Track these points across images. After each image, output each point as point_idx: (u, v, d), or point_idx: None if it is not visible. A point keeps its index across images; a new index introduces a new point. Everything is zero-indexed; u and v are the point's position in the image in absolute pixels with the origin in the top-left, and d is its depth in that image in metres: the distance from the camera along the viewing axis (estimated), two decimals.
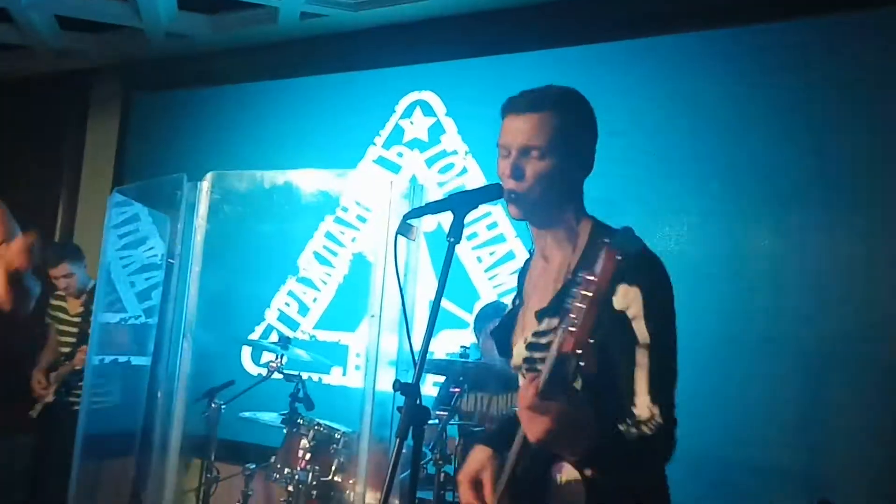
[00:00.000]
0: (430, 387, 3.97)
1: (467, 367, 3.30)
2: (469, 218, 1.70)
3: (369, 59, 4.64)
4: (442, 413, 3.14)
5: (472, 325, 3.81)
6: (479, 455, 1.74)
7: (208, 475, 3.67)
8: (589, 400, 1.41)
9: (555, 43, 4.12)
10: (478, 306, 4.06)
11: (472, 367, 3.34)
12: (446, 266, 1.66)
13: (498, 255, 4.14)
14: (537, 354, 1.54)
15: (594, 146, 1.72)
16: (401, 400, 1.61)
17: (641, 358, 1.45)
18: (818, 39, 3.49)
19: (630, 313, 1.45)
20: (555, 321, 1.43)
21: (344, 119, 4.70)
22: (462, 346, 3.47)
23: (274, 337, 4.41)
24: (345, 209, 4.59)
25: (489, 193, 1.74)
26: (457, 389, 3.30)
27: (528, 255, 1.89)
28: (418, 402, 1.60)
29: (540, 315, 1.60)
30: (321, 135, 4.74)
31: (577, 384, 1.41)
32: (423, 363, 1.60)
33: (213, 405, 3.62)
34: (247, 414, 3.64)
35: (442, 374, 3.55)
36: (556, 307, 1.51)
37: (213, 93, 5.24)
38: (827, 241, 3.36)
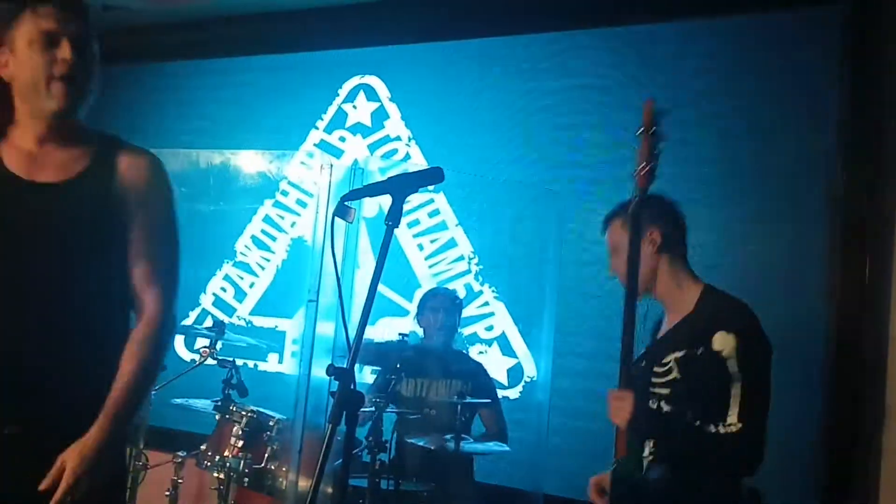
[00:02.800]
0: (369, 375, 3.93)
1: (406, 351, 3.26)
2: (411, 204, 1.68)
3: (313, 40, 4.55)
4: (378, 400, 3.11)
5: (412, 313, 3.78)
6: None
7: (137, 463, 3.56)
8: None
9: (502, 31, 4.09)
10: (418, 294, 4.03)
11: (411, 350, 3.30)
12: (384, 250, 1.64)
13: (440, 243, 4.11)
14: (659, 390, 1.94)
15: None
16: (335, 385, 1.58)
17: (735, 390, 1.81)
18: (757, 37, 3.55)
19: (724, 354, 1.80)
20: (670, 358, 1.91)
21: (286, 101, 4.59)
22: (400, 334, 3.43)
23: (209, 322, 4.30)
24: (284, 193, 4.50)
25: (429, 177, 1.72)
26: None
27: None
28: (352, 387, 1.57)
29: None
30: (262, 116, 4.63)
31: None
32: (357, 348, 1.57)
33: None
34: (179, 400, 3.55)
35: (381, 358, 3.51)
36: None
37: (150, 69, 5.06)
38: (759, 237, 3.42)
